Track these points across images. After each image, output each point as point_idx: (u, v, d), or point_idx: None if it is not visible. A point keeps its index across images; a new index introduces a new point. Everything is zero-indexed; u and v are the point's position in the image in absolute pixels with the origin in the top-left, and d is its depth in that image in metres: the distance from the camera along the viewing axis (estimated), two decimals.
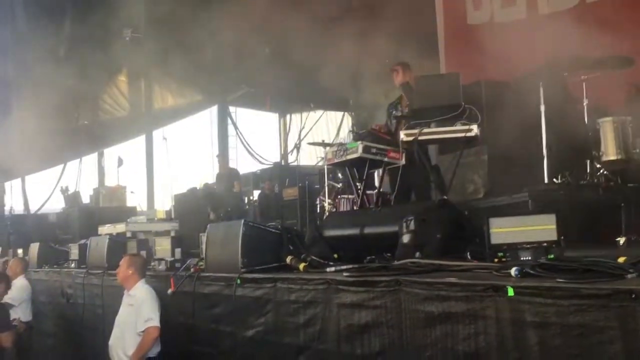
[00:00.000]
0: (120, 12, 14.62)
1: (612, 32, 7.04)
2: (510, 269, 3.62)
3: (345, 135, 14.41)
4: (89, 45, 14.64)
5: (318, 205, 10.22)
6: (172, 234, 10.00)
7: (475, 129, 6.22)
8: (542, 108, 6.56)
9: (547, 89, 6.57)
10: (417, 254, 4.90)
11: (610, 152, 6.39)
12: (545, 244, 4.01)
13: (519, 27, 9.79)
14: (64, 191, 14.83)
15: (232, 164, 18.88)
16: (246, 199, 15.38)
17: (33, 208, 16.24)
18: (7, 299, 9.22)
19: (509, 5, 10.43)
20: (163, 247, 7.56)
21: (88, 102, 16.68)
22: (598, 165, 6.47)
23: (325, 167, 9.26)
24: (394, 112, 7.96)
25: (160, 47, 14.70)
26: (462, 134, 6.25)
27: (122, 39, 15.62)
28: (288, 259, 5.57)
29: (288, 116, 19.95)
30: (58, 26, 14.68)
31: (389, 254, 5.44)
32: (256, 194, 14.54)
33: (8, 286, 8.80)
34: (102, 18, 14.29)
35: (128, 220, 10.99)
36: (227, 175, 13.59)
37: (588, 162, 6.54)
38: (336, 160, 7.22)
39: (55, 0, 14.29)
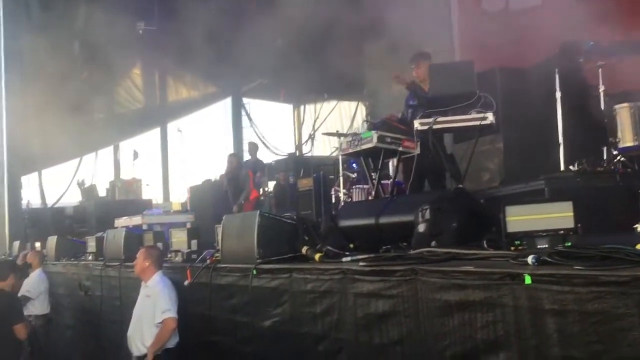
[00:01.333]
0: (133, 5, 14.67)
1: (630, 17, 6.96)
2: (527, 257, 3.57)
3: (359, 125, 14.39)
4: (103, 39, 14.68)
5: (333, 196, 10.21)
6: (188, 225, 10.04)
7: (490, 117, 6.17)
8: (558, 95, 6.50)
9: (563, 76, 6.51)
10: (433, 243, 4.86)
11: (627, 138, 6.34)
12: (562, 232, 3.96)
13: (534, 13, 9.68)
14: (81, 184, 14.95)
15: (246, 155, 19.00)
16: (261, 190, 15.42)
17: (50, 202, 16.35)
18: (24, 292, 9.32)
19: None
20: (179, 239, 7.59)
21: (103, 95, 16.77)
22: (615, 152, 6.42)
23: (340, 157, 9.24)
24: (410, 101, 7.92)
25: (174, 40, 14.73)
26: (477, 122, 6.21)
27: (135, 32, 15.68)
28: (304, 250, 5.56)
29: (302, 107, 19.92)
30: (72, 20, 14.74)
31: (404, 244, 5.43)
32: (271, 185, 14.54)
33: (21, 276, 8.86)
34: (116, 12, 14.32)
35: (144, 212, 11.04)
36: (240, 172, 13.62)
37: (605, 148, 6.49)
38: (351, 150, 7.19)
39: None
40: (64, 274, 10.20)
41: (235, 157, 13.88)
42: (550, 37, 7.57)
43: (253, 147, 15.38)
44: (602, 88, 6.63)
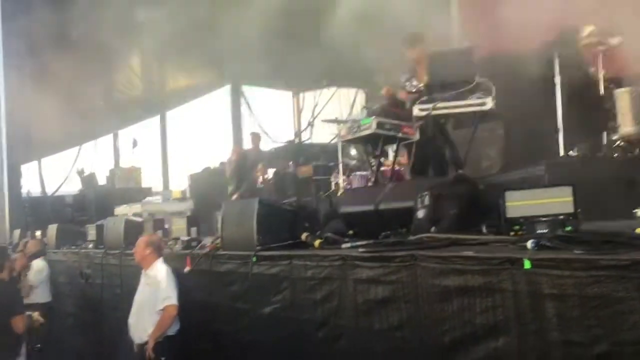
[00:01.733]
0: None
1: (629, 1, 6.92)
2: (527, 241, 3.60)
3: (358, 112, 14.35)
4: (102, 27, 14.61)
5: (333, 182, 10.20)
6: (188, 213, 10.04)
7: (489, 103, 6.16)
8: (558, 79, 6.48)
9: (563, 61, 6.48)
10: (433, 229, 4.85)
11: (627, 123, 6.32)
12: (561, 217, 3.97)
13: None
14: (80, 173, 14.93)
15: (245, 144, 18.96)
16: (261, 177, 15.40)
17: (50, 190, 16.34)
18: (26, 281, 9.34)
19: None
20: (179, 227, 7.60)
21: (102, 83, 16.71)
22: (614, 137, 6.40)
23: (339, 143, 9.23)
24: (407, 84, 7.86)
25: (173, 28, 14.64)
26: (477, 108, 6.20)
27: (135, 19, 15.59)
28: (303, 236, 5.58)
29: (301, 94, 19.87)
30: (72, 7, 14.66)
31: (404, 230, 5.41)
32: (271, 172, 14.53)
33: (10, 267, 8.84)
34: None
35: (144, 200, 11.04)
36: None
37: (605, 133, 6.47)
38: (350, 137, 7.18)
39: None
40: (64, 262, 10.21)
41: (240, 148, 13.85)
42: (551, 22, 7.52)
43: (256, 138, 15.26)
44: (602, 73, 6.60)
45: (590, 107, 6.56)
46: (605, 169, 6.12)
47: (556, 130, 6.40)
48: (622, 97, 6.34)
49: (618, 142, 6.37)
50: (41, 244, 10.43)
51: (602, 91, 6.54)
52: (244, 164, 13.01)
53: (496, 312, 3.51)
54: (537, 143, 6.80)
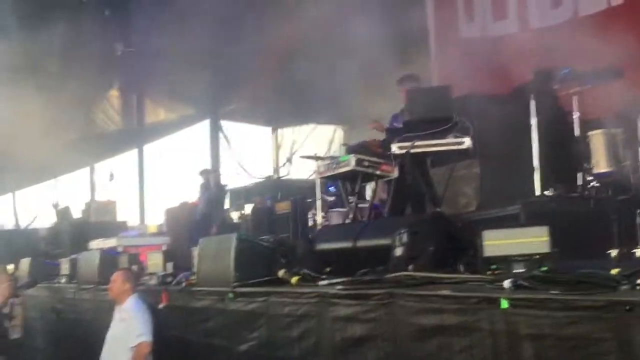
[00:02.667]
0: (111, 27, 14.64)
1: (605, 45, 7.07)
2: (504, 281, 3.61)
3: (337, 148, 14.40)
4: (80, 60, 14.63)
5: (310, 219, 10.18)
6: (164, 248, 9.96)
7: (467, 142, 6.22)
8: (534, 121, 6.57)
9: (538, 102, 6.58)
10: (410, 267, 4.85)
11: (601, 164, 6.39)
12: (538, 256, 3.99)
13: (511, 41, 9.82)
14: (55, 206, 14.77)
15: (223, 179, 18.87)
16: (239, 213, 15.32)
17: (23, 223, 16.15)
18: None
19: (500, 18, 10.45)
20: (154, 262, 7.53)
21: (80, 116, 16.66)
22: (589, 178, 6.47)
23: (318, 180, 9.23)
24: (395, 123, 7.92)
25: (152, 62, 14.72)
26: (454, 147, 6.26)
27: (113, 53, 15.63)
28: (281, 273, 5.56)
29: (280, 130, 19.93)
30: (49, 41, 14.67)
31: (382, 267, 5.41)
32: (248, 208, 14.48)
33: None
34: (94, 33, 14.30)
35: (119, 234, 10.95)
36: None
37: (580, 174, 6.54)
38: (328, 173, 7.20)
39: (47, 15, 14.26)
40: (36, 297, 10.04)
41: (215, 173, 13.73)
42: (527, 64, 7.67)
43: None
44: (576, 114, 6.70)
45: (566, 147, 6.64)
46: (580, 209, 6.18)
47: (532, 170, 6.45)
48: (597, 139, 6.43)
49: (593, 182, 6.44)
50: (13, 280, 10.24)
51: (577, 132, 6.63)
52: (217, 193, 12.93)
53: (474, 351, 3.50)
54: (513, 182, 6.85)
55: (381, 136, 7.86)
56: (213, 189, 12.81)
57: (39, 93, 13.79)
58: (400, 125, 7.61)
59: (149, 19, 13.64)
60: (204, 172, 13.32)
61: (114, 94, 17.73)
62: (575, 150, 6.58)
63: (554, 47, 7.62)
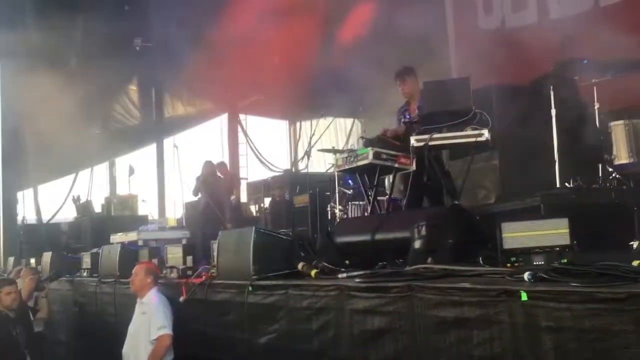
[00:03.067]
0: (130, 22, 14.70)
1: (625, 35, 7.00)
2: (523, 273, 3.58)
3: (355, 141, 14.38)
4: (100, 55, 14.71)
5: (329, 212, 10.19)
6: (184, 241, 10.00)
7: (485, 134, 6.17)
8: (553, 112, 6.53)
9: (558, 93, 6.53)
10: (429, 260, 4.85)
11: (622, 155, 6.37)
12: (558, 248, 3.98)
13: (530, 32, 9.74)
14: (76, 200, 14.88)
15: (242, 172, 18.92)
16: (257, 206, 15.37)
17: (45, 218, 16.29)
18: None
19: (520, 9, 10.38)
20: (175, 255, 7.56)
21: (99, 111, 16.78)
22: (610, 169, 6.44)
23: (336, 173, 9.23)
24: (402, 117, 7.91)
25: (171, 57, 14.76)
26: (473, 139, 6.22)
27: (132, 48, 15.71)
28: (299, 266, 5.54)
29: (298, 123, 19.95)
30: (69, 36, 14.76)
31: (400, 260, 5.40)
32: (267, 201, 14.51)
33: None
34: (113, 28, 14.36)
35: (140, 228, 11.01)
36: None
37: (600, 165, 6.50)
38: (346, 167, 7.18)
39: (66, 10, 14.34)
40: (58, 291, 10.14)
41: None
42: (546, 55, 7.62)
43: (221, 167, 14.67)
44: (597, 105, 6.66)
45: (586, 139, 6.60)
46: (601, 200, 6.13)
47: (553, 162, 6.41)
48: (618, 130, 6.38)
49: (614, 173, 6.40)
50: (34, 272, 10.34)
51: (597, 123, 6.59)
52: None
53: (493, 344, 3.49)
54: (533, 174, 6.82)
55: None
56: (208, 180, 12.57)
57: (59, 88, 13.87)
58: (409, 119, 7.60)
59: (168, 13, 13.66)
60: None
61: (133, 88, 17.83)
62: (596, 141, 6.54)
63: (574, 38, 7.54)
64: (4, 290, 7.62)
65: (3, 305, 7.53)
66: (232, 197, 12.49)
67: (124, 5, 14.79)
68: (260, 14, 12.49)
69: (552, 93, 6.54)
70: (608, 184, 6.39)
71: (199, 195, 12.79)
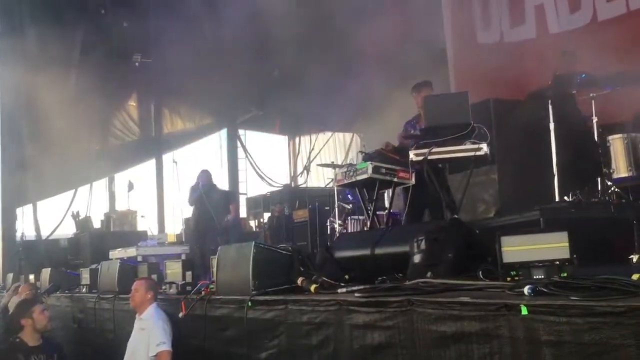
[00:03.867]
0: (129, 37, 14.75)
1: (623, 50, 7.05)
2: (523, 287, 3.58)
3: (354, 156, 14.41)
4: (99, 70, 14.76)
5: (328, 227, 10.19)
6: (183, 257, 9.98)
7: (484, 148, 6.19)
8: (552, 126, 6.54)
9: (557, 107, 6.55)
10: (429, 274, 4.85)
11: (621, 168, 6.36)
12: (557, 262, 3.97)
13: (528, 46, 9.77)
14: (75, 216, 14.87)
15: (242, 187, 18.90)
16: (256, 221, 15.35)
17: (44, 233, 16.27)
18: None
19: (518, 24, 10.41)
20: (174, 271, 7.54)
21: (98, 127, 16.79)
22: (609, 183, 6.44)
23: (335, 188, 9.24)
24: (412, 130, 7.90)
25: (170, 72, 14.81)
26: (472, 153, 6.23)
27: (132, 64, 15.76)
28: (299, 281, 5.52)
29: (297, 138, 19.98)
30: (68, 52, 14.81)
31: (400, 274, 5.40)
32: (266, 216, 14.51)
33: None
34: (112, 43, 14.42)
35: (139, 244, 10.99)
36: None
37: (599, 179, 6.51)
38: (346, 181, 7.19)
39: (66, 26, 14.41)
40: (57, 307, 10.10)
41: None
42: (545, 69, 7.64)
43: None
44: (595, 119, 6.68)
45: (585, 152, 6.61)
46: (600, 214, 6.13)
47: (551, 175, 6.42)
48: (616, 143, 6.39)
49: (613, 187, 6.40)
50: (33, 288, 10.32)
51: (596, 137, 6.60)
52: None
53: (493, 358, 3.47)
54: (532, 188, 6.82)
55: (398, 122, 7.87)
56: (202, 190, 12.33)
57: (58, 104, 13.91)
58: (416, 132, 7.60)
59: (167, 29, 13.72)
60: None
61: (132, 104, 17.86)
62: (595, 155, 6.55)
63: (572, 53, 7.56)
64: (36, 310, 7.29)
65: (39, 327, 7.24)
66: (228, 216, 12.26)
67: (122, 21, 14.84)
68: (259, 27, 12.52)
69: (550, 107, 6.56)
70: (607, 198, 6.38)
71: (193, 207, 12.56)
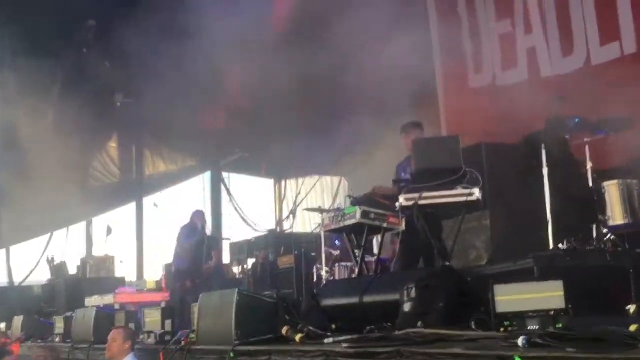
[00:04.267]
0: (111, 77, 14.64)
1: (617, 93, 7.01)
2: (517, 338, 3.54)
3: (342, 200, 14.25)
4: (79, 109, 14.58)
5: (315, 274, 10.01)
6: (162, 304, 9.70)
7: (476, 193, 6.20)
8: (545, 171, 6.47)
9: (550, 152, 6.50)
10: (419, 323, 4.79)
11: (616, 215, 6.31)
12: (552, 312, 3.92)
13: (520, 90, 9.72)
14: (50, 261, 14.55)
15: (225, 232, 18.63)
16: (240, 267, 15.07)
17: (17, 279, 15.90)
18: None
19: (510, 67, 10.39)
20: (152, 319, 7.30)
21: (77, 168, 16.53)
22: (604, 230, 6.34)
23: (322, 233, 9.07)
24: (402, 174, 7.76)
25: (152, 113, 14.65)
26: (463, 198, 6.16)
27: (113, 104, 15.62)
28: (284, 330, 5.44)
29: (283, 181, 19.84)
30: (48, 89, 14.68)
31: (389, 324, 5.33)
32: (250, 262, 14.26)
33: None
34: (93, 82, 14.31)
35: (116, 290, 10.72)
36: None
37: (594, 226, 6.40)
38: (333, 226, 7.08)
39: (46, 63, 14.32)
40: (29, 357, 9.76)
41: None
42: (537, 113, 7.56)
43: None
44: (589, 164, 6.60)
45: (579, 198, 6.51)
46: (596, 262, 6.01)
47: (545, 222, 6.31)
48: (612, 189, 6.32)
49: (608, 234, 6.28)
50: (3, 337, 10.00)
51: (590, 183, 6.51)
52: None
53: None
54: (525, 234, 6.72)
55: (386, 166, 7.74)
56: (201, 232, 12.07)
57: (35, 143, 13.73)
58: (408, 176, 7.46)
59: (149, 70, 13.62)
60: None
61: (113, 145, 17.65)
62: (589, 201, 6.46)
63: (565, 96, 7.50)
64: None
65: None
66: (210, 262, 12.01)
67: (104, 61, 14.74)
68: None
69: (543, 151, 6.50)
70: (603, 245, 6.29)
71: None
